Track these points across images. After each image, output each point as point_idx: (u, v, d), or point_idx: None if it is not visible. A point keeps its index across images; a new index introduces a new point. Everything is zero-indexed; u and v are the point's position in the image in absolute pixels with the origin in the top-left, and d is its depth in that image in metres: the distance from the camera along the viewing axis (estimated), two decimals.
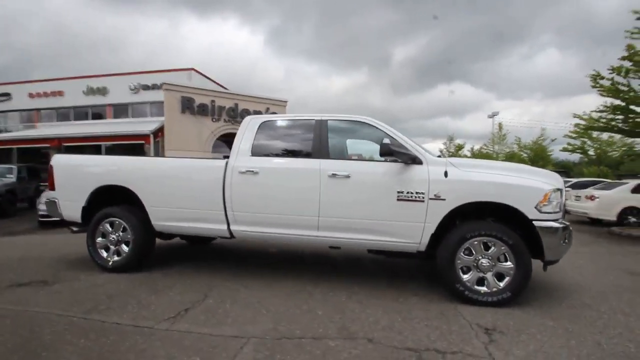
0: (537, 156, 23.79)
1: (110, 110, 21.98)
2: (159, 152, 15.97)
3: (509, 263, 3.06)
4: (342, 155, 3.94)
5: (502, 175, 3.15)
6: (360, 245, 3.47)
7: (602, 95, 8.32)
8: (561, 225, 3.05)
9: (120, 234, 3.98)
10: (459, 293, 3.11)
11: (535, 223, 3.01)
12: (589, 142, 17.17)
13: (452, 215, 3.18)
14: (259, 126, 3.80)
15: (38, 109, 22.94)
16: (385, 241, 3.32)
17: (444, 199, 3.14)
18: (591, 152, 16.45)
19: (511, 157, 24.99)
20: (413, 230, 3.22)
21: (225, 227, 3.72)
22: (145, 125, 18.72)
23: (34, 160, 16.02)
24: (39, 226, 8.86)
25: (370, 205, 3.31)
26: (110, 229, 4.01)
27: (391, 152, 3.10)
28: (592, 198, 9.03)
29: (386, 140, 3.19)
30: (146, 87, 21.55)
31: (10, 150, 18.19)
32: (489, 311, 2.94)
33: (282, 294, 3.30)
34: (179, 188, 3.83)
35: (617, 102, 8.07)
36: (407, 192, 3.21)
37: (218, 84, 22.47)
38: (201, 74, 22.16)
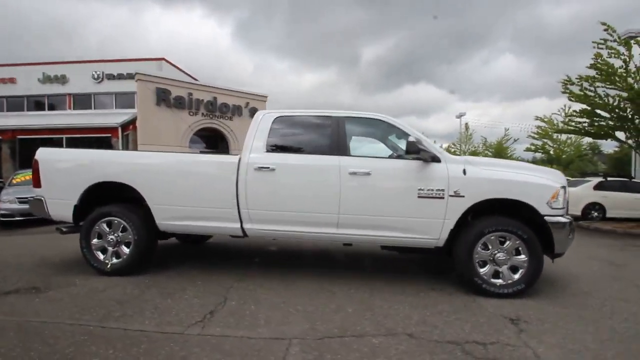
0: (498, 155, 25.36)
1: (70, 100, 20.29)
2: (129, 147, 15.03)
3: (522, 256, 3.23)
4: (360, 152, 3.93)
5: (517, 173, 3.31)
6: (380, 242, 3.50)
7: (570, 100, 9.02)
8: (568, 220, 3.27)
9: (120, 234, 3.70)
10: (477, 286, 3.23)
11: (547, 218, 3.20)
12: (549, 143, 18.60)
13: (466, 212, 3.29)
14: (273, 121, 3.69)
15: None
16: (405, 237, 3.36)
17: (463, 196, 3.24)
18: (552, 152, 17.88)
19: (475, 155, 26.44)
20: (433, 227, 3.29)
21: (238, 225, 3.58)
22: (111, 117, 17.55)
23: None
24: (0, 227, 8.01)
25: (391, 202, 3.34)
26: (107, 229, 3.71)
27: (418, 150, 3.15)
28: None
29: (412, 139, 3.22)
30: (111, 77, 20.17)
31: None
32: (506, 302, 3.09)
33: (303, 293, 3.24)
34: (187, 185, 3.62)
35: (583, 106, 8.78)
36: (428, 189, 3.27)
37: (190, 75, 21.50)
38: (172, 64, 21.13)
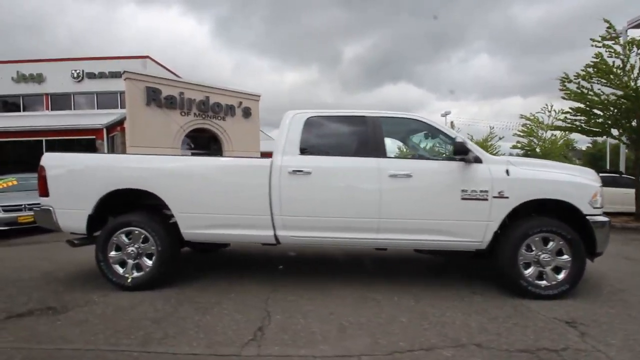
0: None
1: (47, 100, 19.21)
2: (116, 149, 14.36)
3: (565, 256, 3.20)
4: (397, 153, 3.82)
5: (559, 173, 3.28)
6: (421, 246, 3.39)
7: (564, 98, 9.26)
8: (608, 220, 3.27)
9: (141, 245, 3.42)
10: (522, 289, 3.18)
11: (589, 218, 3.19)
12: (535, 141, 19.19)
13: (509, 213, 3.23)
14: (305, 122, 3.51)
15: None
16: (448, 241, 3.27)
17: (507, 197, 3.18)
18: (538, 150, 18.44)
19: None
20: (477, 229, 3.22)
21: (271, 232, 3.39)
22: (94, 118, 16.74)
23: None
24: None
25: (434, 205, 3.24)
26: (126, 241, 3.43)
27: (466, 150, 3.06)
28: None
29: (459, 139, 3.13)
30: (92, 76, 19.26)
31: None
32: (553, 304, 3.05)
33: (347, 302, 3.09)
34: (215, 191, 3.39)
35: (577, 104, 9.03)
36: (472, 191, 3.19)
37: (175, 74, 20.81)
38: (158, 63, 20.40)
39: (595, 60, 7.97)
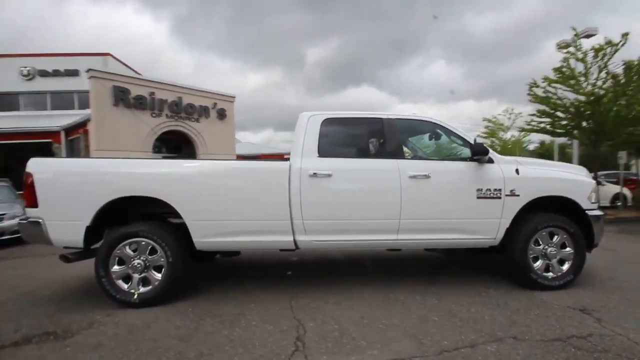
0: None
1: None
2: (77, 153, 13.21)
3: (568, 249, 3.44)
4: (415, 154, 3.88)
5: (562, 171, 3.53)
6: (438, 244, 3.47)
7: (531, 101, 10.01)
8: (602, 214, 3.57)
9: (148, 257, 3.17)
10: (532, 281, 3.36)
11: (588, 212, 3.46)
12: (496, 141, 20.56)
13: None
14: (322, 124, 3.46)
15: None
16: (464, 239, 3.38)
17: (518, 195, 3.35)
18: (498, 149, 19.80)
19: None
20: (491, 226, 3.36)
21: (290, 238, 3.29)
22: (49, 119, 15.29)
23: None
24: None
25: (452, 205, 3.33)
26: (131, 253, 3.16)
27: (485, 151, 3.17)
28: None
29: (479, 140, 3.24)
30: (44, 74, 17.61)
31: None
32: (562, 294, 3.26)
33: (373, 305, 3.08)
34: (232, 197, 3.23)
35: (542, 107, 9.81)
36: (486, 190, 3.33)
37: (139, 73, 19.62)
38: (120, 61, 19.11)
39: (563, 63, 8.72)
